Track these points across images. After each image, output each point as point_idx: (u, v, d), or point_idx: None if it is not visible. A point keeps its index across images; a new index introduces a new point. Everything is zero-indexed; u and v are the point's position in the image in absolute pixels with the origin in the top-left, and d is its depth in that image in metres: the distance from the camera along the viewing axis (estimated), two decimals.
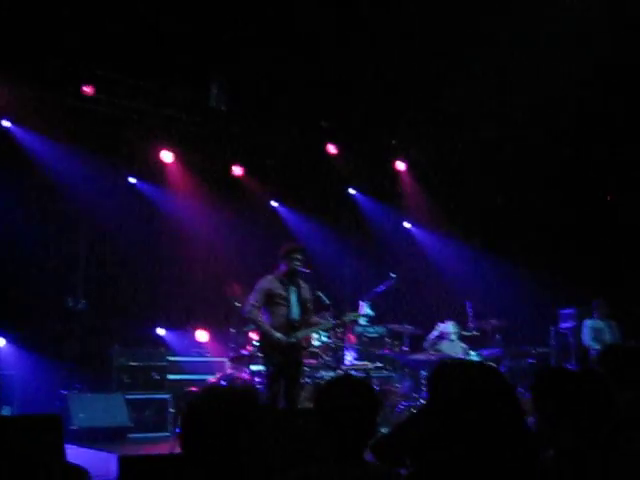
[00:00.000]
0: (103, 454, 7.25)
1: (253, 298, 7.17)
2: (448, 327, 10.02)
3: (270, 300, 7.13)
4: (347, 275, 12.33)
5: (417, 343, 10.16)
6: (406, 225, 13.26)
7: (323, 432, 2.69)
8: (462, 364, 2.12)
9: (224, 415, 1.94)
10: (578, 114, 10.07)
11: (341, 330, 8.87)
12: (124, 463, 3.31)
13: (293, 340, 7.04)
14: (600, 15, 8.14)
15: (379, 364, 9.72)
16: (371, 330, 10.41)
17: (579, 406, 2.79)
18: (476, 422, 1.86)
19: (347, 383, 2.91)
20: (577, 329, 10.91)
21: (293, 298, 7.20)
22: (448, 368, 2.09)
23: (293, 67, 9.65)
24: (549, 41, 8.54)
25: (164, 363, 9.50)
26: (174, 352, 10.04)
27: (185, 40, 8.96)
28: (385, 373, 9.99)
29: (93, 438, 8.03)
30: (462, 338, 10.08)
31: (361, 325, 10.45)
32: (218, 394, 2.01)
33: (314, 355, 8.89)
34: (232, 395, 2.02)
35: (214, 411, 1.95)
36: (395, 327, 9.94)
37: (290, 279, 7.25)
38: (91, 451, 7.46)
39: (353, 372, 9.06)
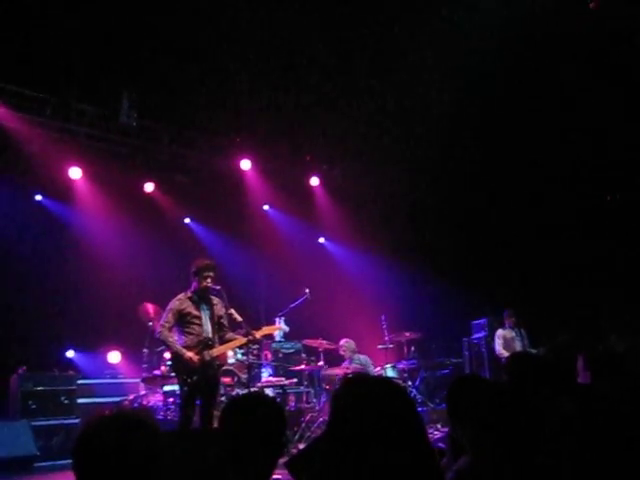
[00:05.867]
0: None
1: (164, 319, 7.09)
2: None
3: (182, 320, 7.03)
4: (262, 291, 12.26)
5: (333, 358, 10.20)
6: (321, 240, 13.33)
7: (227, 453, 2.64)
8: (365, 382, 2.09)
9: (117, 446, 1.86)
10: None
11: (257, 347, 8.80)
12: None
13: (207, 358, 6.92)
14: None
15: (295, 380, 9.70)
16: (287, 346, 10.39)
17: (493, 415, 2.84)
18: (376, 441, 1.85)
19: (250, 402, 2.86)
20: (489, 339, 11.21)
21: (205, 316, 7.10)
22: (349, 387, 2.07)
23: (206, 82, 9.59)
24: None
25: (73, 387, 9.15)
26: (84, 375, 9.71)
27: (95, 55, 8.75)
28: (302, 389, 9.98)
29: None
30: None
31: (277, 341, 10.42)
32: (109, 425, 1.91)
33: (229, 373, 8.79)
34: (127, 424, 1.93)
35: (105, 443, 1.86)
36: (311, 342, 9.96)
37: (202, 296, 7.15)
38: None
39: (269, 389, 9.00)
